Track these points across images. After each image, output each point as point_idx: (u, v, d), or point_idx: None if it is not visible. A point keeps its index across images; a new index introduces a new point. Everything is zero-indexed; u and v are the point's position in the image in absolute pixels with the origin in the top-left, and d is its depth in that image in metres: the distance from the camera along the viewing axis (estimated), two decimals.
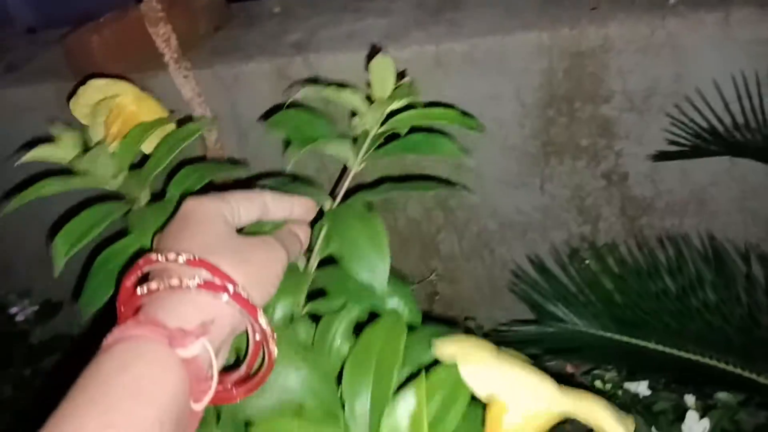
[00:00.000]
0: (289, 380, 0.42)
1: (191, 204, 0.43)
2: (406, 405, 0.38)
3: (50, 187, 0.57)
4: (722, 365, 0.68)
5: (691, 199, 0.95)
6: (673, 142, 0.88)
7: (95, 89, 0.65)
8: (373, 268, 0.46)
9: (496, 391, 0.37)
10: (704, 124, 0.85)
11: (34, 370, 1.31)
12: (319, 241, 0.52)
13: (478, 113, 0.92)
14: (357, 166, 0.56)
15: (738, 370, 0.68)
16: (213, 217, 0.43)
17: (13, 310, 1.22)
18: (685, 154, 0.87)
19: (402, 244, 1.10)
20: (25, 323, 1.24)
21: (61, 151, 0.59)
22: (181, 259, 0.39)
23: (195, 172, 0.58)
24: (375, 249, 0.47)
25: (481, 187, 1.01)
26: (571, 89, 0.89)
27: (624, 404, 0.83)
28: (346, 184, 0.55)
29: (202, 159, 0.92)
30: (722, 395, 0.78)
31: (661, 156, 0.89)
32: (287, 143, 0.56)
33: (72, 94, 0.68)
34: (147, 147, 0.62)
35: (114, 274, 0.52)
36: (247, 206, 0.45)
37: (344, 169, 0.57)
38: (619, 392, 0.84)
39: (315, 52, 0.93)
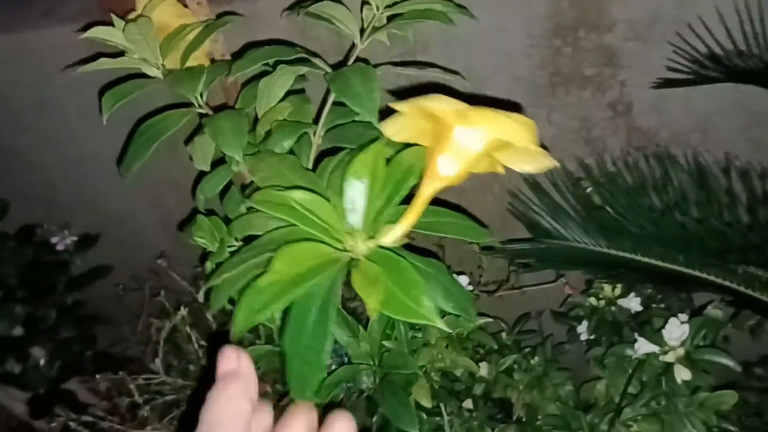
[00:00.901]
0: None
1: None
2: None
3: (105, 63, 0.64)
4: (698, 273, 0.72)
5: (696, 129, 0.97)
6: (675, 70, 0.90)
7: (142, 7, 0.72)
8: (363, 103, 0.54)
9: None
10: (706, 51, 0.87)
11: (76, 299, 1.41)
12: (328, 103, 0.60)
13: (486, 45, 0.96)
14: (362, 43, 0.64)
15: (713, 277, 0.71)
16: None
17: (54, 240, 1.31)
18: (688, 81, 0.89)
19: None
20: (65, 253, 1.33)
21: (116, 33, 0.66)
22: None
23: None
24: (366, 88, 0.56)
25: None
26: (576, 18, 0.91)
27: (616, 320, 0.87)
28: (352, 59, 0.63)
29: None
30: (711, 311, 0.81)
31: (664, 84, 0.91)
32: None
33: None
34: (193, 62, 0.69)
35: (153, 140, 0.60)
36: None
37: (353, 46, 0.66)
38: (613, 308, 0.88)
39: None
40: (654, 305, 0.91)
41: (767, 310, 0.71)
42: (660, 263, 0.75)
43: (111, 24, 0.72)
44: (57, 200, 1.38)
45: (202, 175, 0.68)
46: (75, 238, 1.33)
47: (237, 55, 0.69)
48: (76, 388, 1.38)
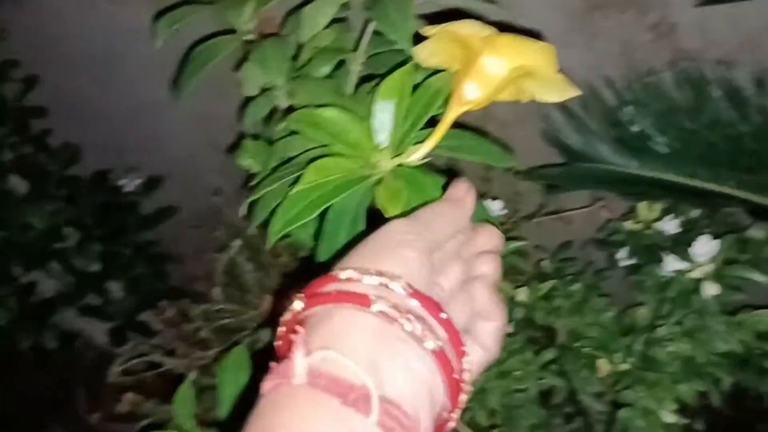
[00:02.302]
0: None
1: (392, 226, 0.40)
2: None
3: None
4: (727, 189, 0.71)
5: (743, 48, 0.93)
6: None
7: None
8: (397, 29, 0.57)
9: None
10: None
11: (147, 238, 1.51)
12: (368, 32, 0.64)
13: None
14: None
15: (745, 194, 0.70)
16: (413, 245, 0.39)
17: (122, 182, 1.40)
18: None
19: None
20: (133, 195, 1.43)
21: None
22: (397, 287, 0.36)
23: None
24: (400, 14, 0.58)
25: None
26: None
27: (654, 243, 0.87)
28: None
29: None
30: (753, 232, 0.80)
31: (707, 1, 0.88)
32: None
33: None
34: None
35: (203, 64, 0.67)
36: (444, 226, 0.42)
37: None
38: (649, 231, 0.88)
39: None
40: (698, 229, 0.90)
41: None
42: (689, 181, 0.75)
43: None
44: (124, 146, 1.47)
45: (248, 100, 0.73)
46: (141, 181, 1.42)
47: None
48: (150, 319, 1.50)
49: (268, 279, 1.07)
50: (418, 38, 0.57)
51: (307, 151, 0.53)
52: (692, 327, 0.76)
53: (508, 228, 0.93)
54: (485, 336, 0.41)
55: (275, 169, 0.60)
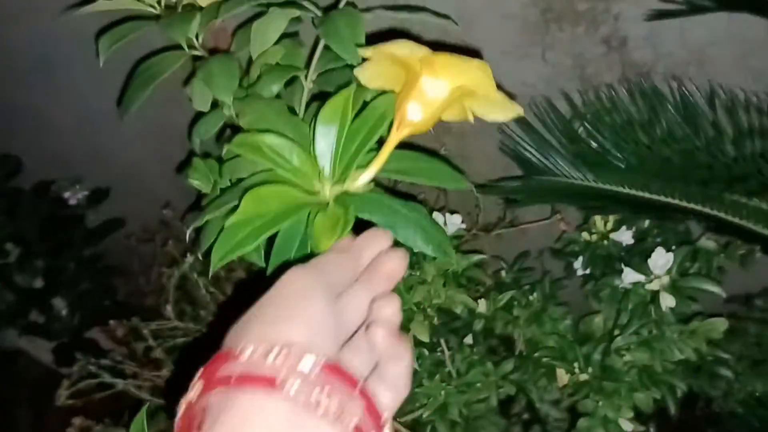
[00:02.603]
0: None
1: (291, 277, 0.38)
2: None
3: (102, 5, 0.70)
4: (682, 202, 0.72)
5: (691, 61, 0.96)
6: (669, 1, 0.88)
7: None
8: (347, 47, 0.55)
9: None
10: None
11: (93, 252, 1.46)
12: (319, 48, 0.63)
13: None
14: None
15: (698, 206, 0.72)
16: (314, 295, 0.37)
17: (66, 195, 1.35)
18: (681, 12, 0.88)
19: None
20: (78, 208, 1.38)
21: None
22: (307, 364, 0.32)
23: None
24: (351, 31, 0.57)
25: (486, 60, 1.04)
26: None
27: (609, 254, 0.88)
28: (343, 1, 0.63)
29: None
30: (704, 242, 0.82)
31: (658, 15, 0.90)
32: None
33: None
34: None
35: (150, 80, 0.63)
36: (342, 272, 0.41)
37: None
38: (606, 242, 0.90)
39: None
40: (650, 239, 0.92)
41: (754, 238, 0.72)
42: (645, 194, 0.76)
43: None
44: (68, 157, 1.41)
45: (198, 117, 0.71)
46: (87, 193, 1.37)
47: None
48: (98, 336, 1.45)
49: (223, 294, 1.05)
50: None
51: (253, 174, 0.52)
52: (649, 337, 0.77)
53: (467, 240, 0.93)
54: (395, 379, 0.39)
55: (222, 191, 0.58)
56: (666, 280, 0.74)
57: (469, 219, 0.98)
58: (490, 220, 1.10)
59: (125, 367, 1.05)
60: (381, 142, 0.52)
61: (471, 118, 0.48)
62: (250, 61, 0.67)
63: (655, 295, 0.74)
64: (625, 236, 0.85)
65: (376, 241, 0.43)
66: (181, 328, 1.07)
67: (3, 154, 1.33)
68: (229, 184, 0.66)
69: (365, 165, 0.49)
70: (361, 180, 0.48)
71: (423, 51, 0.44)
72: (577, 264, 0.95)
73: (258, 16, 0.68)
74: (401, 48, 0.44)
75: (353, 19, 0.58)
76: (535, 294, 1.00)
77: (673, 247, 0.84)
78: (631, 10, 0.93)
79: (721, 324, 0.78)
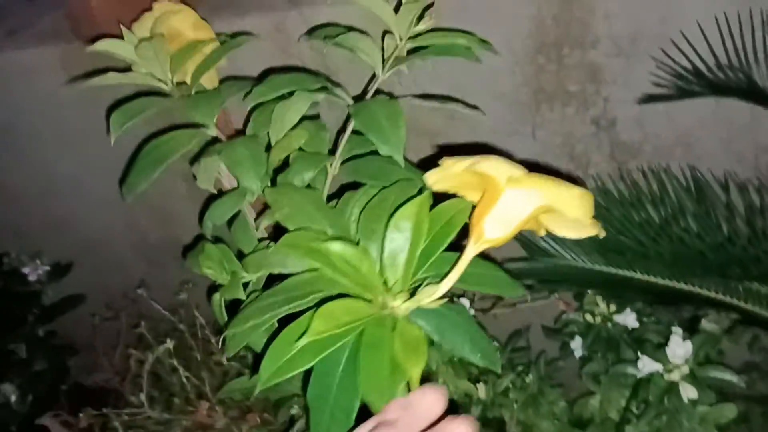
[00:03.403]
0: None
1: None
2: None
3: (113, 78, 0.64)
4: (699, 290, 0.72)
5: (678, 143, 0.98)
6: (658, 85, 0.91)
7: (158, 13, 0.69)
8: (389, 139, 0.53)
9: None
10: (688, 66, 0.88)
11: (48, 330, 1.36)
12: (347, 133, 0.60)
13: (470, 62, 0.96)
14: (384, 74, 0.63)
15: (714, 294, 0.72)
16: None
17: (26, 270, 1.26)
18: (671, 96, 0.90)
19: None
20: (37, 283, 1.28)
21: (126, 47, 0.63)
22: None
23: None
24: (392, 123, 0.54)
25: (475, 137, 1.03)
26: (559, 35, 0.91)
27: (612, 336, 0.87)
28: (374, 88, 0.61)
29: None
30: (706, 325, 0.81)
31: (647, 99, 0.92)
32: None
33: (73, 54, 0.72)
34: (206, 81, 0.68)
35: (158, 161, 0.59)
36: None
37: (373, 76, 0.65)
38: (609, 325, 0.88)
39: (310, 5, 0.95)
40: (645, 319, 0.92)
41: (766, 325, 0.72)
42: (659, 280, 0.76)
43: (84, 44, 0.69)
44: (27, 228, 1.33)
45: (210, 200, 0.66)
46: (47, 268, 1.28)
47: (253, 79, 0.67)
48: (51, 423, 1.33)
49: (204, 382, 0.98)
50: None
51: (296, 275, 0.47)
52: (660, 425, 0.75)
53: None
54: None
55: (248, 287, 0.54)
56: (686, 369, 0.73)
57: (467, 297, 0.96)
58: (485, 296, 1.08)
59: None
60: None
61: (543, 233, 0.45)
62: (267, 147, 0.64)
63: (673, 385, 0.73)
64: (629, 319, 0.84)
65: (431, 400, 0.38)
66: (155, 417, 0.99)
67: None
68: (252, 278, 0.61)
69: (431, 275, 0.45)
70: (434, 296, 0.44)
71: (519, 171, 0.41)
72: (575, 345, 0.93)
73: (269, 101, 0.65)
74: (496, 166, 0.41)
75: (393, 109, 0.56)
76: (530, 375, 0.97)
77: (674, 329, 0.83)
78: (621, 92, 0.95)
79: (729, 410, 0.77)
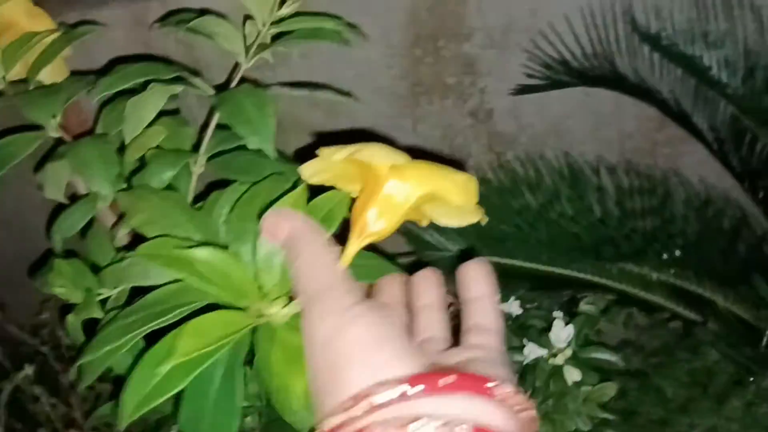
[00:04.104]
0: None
1: (308, 322, 0.34)
2: None
3: None
4: (577, 273, 0.74)
5: (551, 132, 1.01)
6: (530, 76, 0.93)
7: None
8: (257, 130, 0.49)
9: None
10: (557, 57, 0.90)
11: None
12: (211, 127, 0.56)
13: (348, 55, 0.93)
14: (247, 62, 0.58)
15: (589, 276, 0.74)
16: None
17: None
18: (542, 87, 0.93)
19: None
20: None
21: None
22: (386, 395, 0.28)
23: None
24: (259, 113, 0.50)
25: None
26: (434, 28, 0.91)
27: None
28: (237, 78, 0.57)
29: None
30: (584, 307, 0.84)
31: (521, 90, 0.94)
32: None
33: None
34: (45, 76, 0.60)
35: (4, 165, 0.54)
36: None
37: (236, 65, 0.60)
38: None
39: None
40: (528, 305, 0.93)
41: (639, 304, 0.75)
42: (539, 266, 0.77)
43: None
44: None
45: (58, 210, 0.59)
46: None
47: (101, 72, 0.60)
48: None
49: (73, 408, 0.89)
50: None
51: (158, 287, 0.42)
52: (548, 409, 0.76)
53: None
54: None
55: (115, 308, 0.48)
56: (569, 353, 0.74)
57: None
58: None
59: None
60: None
61: (425, 223, 0.43)
62: (121, 147, 0.57)
63: (558, 368, 0.74)
64: (513, 307, 0.85)
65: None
66: None
67: None
68: (111, 293, 0.55)
69: None
70: None
71: (402, 158, 0.38)
72: None
73: (122, 93, 0.59)
74: (377, 154, 0.38)
75: (260, 98, 0.51)
76: None
77: (555, 314, 0.85)
78: (496, 84, 0.96)
79: (610, 388, 0.79)
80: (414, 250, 0.87)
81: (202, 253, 0.39)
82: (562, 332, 0.73)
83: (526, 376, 0.74)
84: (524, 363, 0.73)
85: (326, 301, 0.33)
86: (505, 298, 0.87)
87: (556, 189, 0.81)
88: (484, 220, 0.39)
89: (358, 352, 0.31)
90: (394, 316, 0.35)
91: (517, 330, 0.84)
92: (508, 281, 0.82)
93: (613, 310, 0.80)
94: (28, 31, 0.60)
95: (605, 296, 0.74)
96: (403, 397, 0.28)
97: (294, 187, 0.43)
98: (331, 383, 0.30)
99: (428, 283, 0.42)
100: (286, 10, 0.58)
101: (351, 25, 0.63)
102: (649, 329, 0.98)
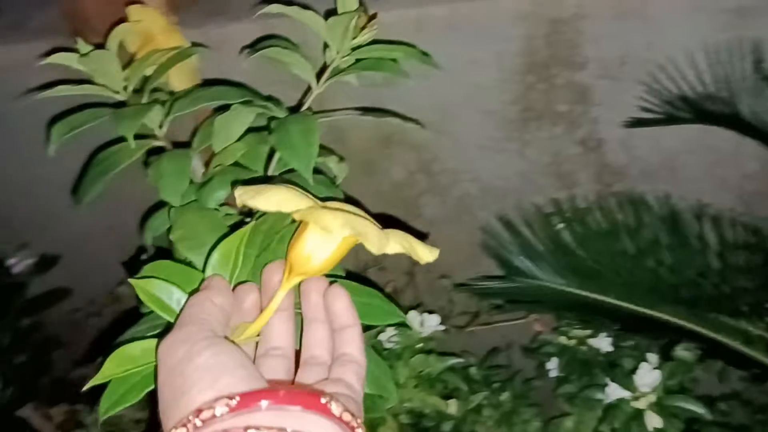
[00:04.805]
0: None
1: (162, 348, 0.37)
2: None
3: (64, 90, 0.64)
4: (671, 318, 0.72)
5: (663, 166, 0.98)
6: (646, 110, 0.91)
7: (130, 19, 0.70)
8: (298, 156, 0.54)
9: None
10: (676, 92, 0.88)
11: (32, 323, 1.36)
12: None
13: (459, 78, 0.96)
14: (319, 87, 0.63)
15: (684, 323, 0.71)
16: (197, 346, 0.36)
17: (11, 261, 1.26)
18: (658, 121, 0.90)
19: (385, 208, 1.13)
20: (22, 275, 1.29)
21: (75, 60, 0.64)
22: (220, 409, 0.31)
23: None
24: (304, 140, 0.55)
25: (462, 152, 1.03)
26: (549, 56, 0.91)
27: (587, 359, 0.87)
28: (307, 103, 0.61)
29: None
30: (680, 353, 0.81)
31: (635, 123, 0.92)
32: None
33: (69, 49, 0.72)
34: (174, 81, 0.67)
35: (106, 172, 0.61)
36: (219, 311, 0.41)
37: (308, 89, 0.65)
38: (584, 348, 0.88)
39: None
40: (622, 343, 0.91)
41: (735, 357, 0.71)
42: (632, 306, 0.75)
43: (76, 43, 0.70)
44: (15, 220, 1.33)
45: (153, 209, 0.66)
46: (33, 260, 1.28)
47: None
48: (31, 415, 1.33)
49: None
50: None
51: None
52: None
53: (442, 339, 0.89)
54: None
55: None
56: (653, 398, 0.73)
57: (442, 314, 0.96)
58: (461, 311, 1.08)
59: None
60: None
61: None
62: (211, 158, 0.64)
63: (639, 412, 0.72)
64: (603, 343, 0.84)
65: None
66: (128, 416, 0.99)
67: None
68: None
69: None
70: (245, 335, 0.41)
71: (308, 203, 0.41)
72: (551, 365, 0.93)
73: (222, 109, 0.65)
74: (287, 202, 0.40)
75: (308, 126, 0.55)
76: (505, 393, 0.97)
77: (648, 355, 0.83)
78: (608, 114, 0.95)
79: None
80: (505, 274, 0.87)
81: (152, 286, 0.45)
82: (648, 376, 0.71)
83: (606, 415, 0.73)
84: (605, 402, 0.72)
85: (183, 330, 0.37)
86: (596, 334, 0.86)
87: (655, 235, 0.79)
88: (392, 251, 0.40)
89: (204, 376, 0.34)
90: (237, 348, 0.37)
91: (606, 367, 0.83)
92: (596, 318, 0.81)
93: (709, 360, 0.77)
94: (163, 46, 0.67)
95: (701, 345, 0.71)
96: (238, 409, 0.31)
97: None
98: (176, 403, 0.33)
99: (317, 295, 0.44)
100: (361, 39, 0.62)
101: (425, 54, 0.65)
102: (759, 383, 0.93)
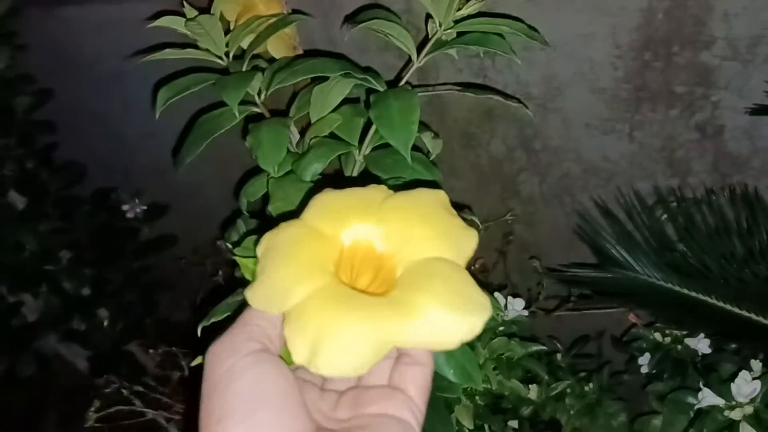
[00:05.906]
0: None
1: (210, 355, 0.34)
2: None
3: (170, 54, 0.67)
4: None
5: None
6: None
7: None
8: (397, 133, 0.53)
9: None
10: None
11: (142, 265, 1.45)
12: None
13: (569, 52, 0.91)
14: (419, 61, 0.62)
15: None
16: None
17: (125, 207, 1.35)
18: None
19: (482, 182, 1.11)
20: (134, 221, 1.37)
21: (182, 23, 0.67)
22: None
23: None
24: (403, 117, 0.54)
25: (567, 130, 0.99)
26: (670, 32, 0.85)
27: (682, 359, 0.82)
28: (407, 76, 0.60)
29: None
30: None
31: (762, 110, 0.84)
32: None
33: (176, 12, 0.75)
34: (271, 48, 0.69)
35: (207, 134, 0.63)
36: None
37: (409, 62, 0.64)
38: (679, 347, 0.83)
39: None
40: (724, 348, 0.85)
41: None
42: (737, 311, 0.70)
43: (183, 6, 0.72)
44: (132, 168, 1.42)
45: (248, 175, 0.68)
46: (145, 207, 1.37)
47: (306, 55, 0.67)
48: (136, 351, 1.43)
49: None
50: None
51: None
52: None
53: (527, 324, 0.87)
54: None
55: None
56: (749, 410, 0.67)
57: (529, 295, 0.93)
58: (550, 294, 1.04)
59: (157, 397, 1.03)
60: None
61: None
62: (306, 128, 0.64)
63: (732, 423, 0.67)
64: (701, 344, 0.78)
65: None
66: None
67: (67, 161, 1.33)
68: None
69: None
70: None
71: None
72: (643, 360, 0.89)
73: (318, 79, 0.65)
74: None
75: (408, 103, 0.53)
76: (591, 384, 0.93)
77: (752, 362, 0.77)
78: (733, 99, 0.87)
79: None
80: (599, 263, 0.83)
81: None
82: (746, 386, 0.66)
83: (697, 420, 0.69)
84: (696, 407, 0.67)
85: (232, 338, 0.34)
86: (691, 334, 0.81)
87: None
88: None
89: (241, 405, 0.32)
90: (282, 368, 0.34)
91: (701, 370, 0.77)
92: (692, 318, 0.75)
93: None
94: (263, 14, 0.68)
95: None
96: None
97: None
98: (211, 429, 0.32)
99: None
100: (466, 11, 0.59)
101: (532, 28, 0.62)
102: None
